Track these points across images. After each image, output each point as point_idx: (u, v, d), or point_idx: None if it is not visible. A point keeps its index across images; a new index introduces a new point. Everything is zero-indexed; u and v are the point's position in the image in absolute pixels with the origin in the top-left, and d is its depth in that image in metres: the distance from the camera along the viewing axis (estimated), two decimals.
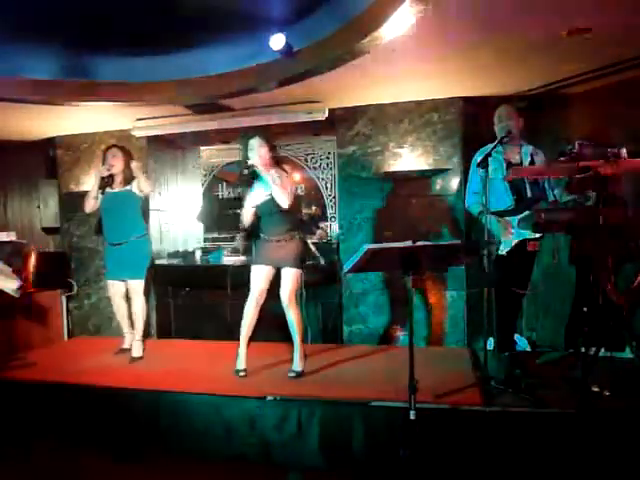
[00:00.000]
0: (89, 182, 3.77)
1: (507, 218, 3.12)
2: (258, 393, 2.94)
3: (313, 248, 4.20)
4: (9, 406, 3.25)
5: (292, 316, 3.30)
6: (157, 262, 4.90)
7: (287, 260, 3.27)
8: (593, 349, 2.69)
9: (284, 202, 3.17)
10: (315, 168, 5.17)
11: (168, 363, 3.71)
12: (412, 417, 2.18)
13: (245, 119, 4.40)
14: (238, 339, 3.34)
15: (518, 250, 3.07)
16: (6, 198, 5.33)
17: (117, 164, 3.79)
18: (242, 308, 3.34)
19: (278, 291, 3.31)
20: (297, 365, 3.31)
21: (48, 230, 5.23)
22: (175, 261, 5.00)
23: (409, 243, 2.22)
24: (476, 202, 3.31)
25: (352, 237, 4.41)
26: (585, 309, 2.75)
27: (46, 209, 5.16)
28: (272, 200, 3.20)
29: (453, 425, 2.60)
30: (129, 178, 3.80)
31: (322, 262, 4.26)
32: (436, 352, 3.87)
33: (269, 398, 2.88)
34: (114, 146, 3.93)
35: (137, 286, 3.82)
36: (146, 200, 4.08)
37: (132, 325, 3.94)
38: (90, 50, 3.59)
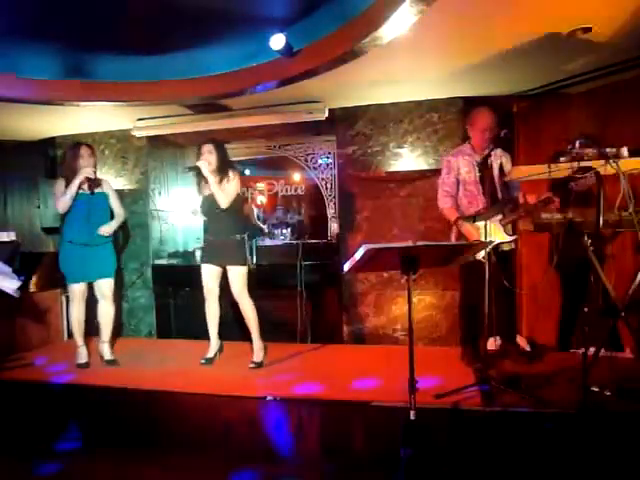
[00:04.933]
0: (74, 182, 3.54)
1: (477, 223, 3.10)
2: (258, 393, 2.94)
3: None
4: (8, 406, 3.25)
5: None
6: (156, 262, 4.91)
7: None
8: (593, 349, 2.69)
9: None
10: (315, 168, 5.17)
11: (168, 363, 3.70)
12: (412, 417, 2.17)
13: (245, 119, 4.41)
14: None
15: (494, 253, 3.04)
16: (6, 198, 5.32)
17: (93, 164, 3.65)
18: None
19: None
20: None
21: (48, 230, 5.23)
22: (175, 261, 5.01)
23: (409, 243, 2.22)
24: (451, 205, 3.27)
25: (352, 237, 4.41)
26: (586, 309, 2.74)
27: (46, 209, 5.15)
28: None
29: (453, 425, 2.60)
30: (98, 179, 3.71)
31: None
32: (436, 352, 3.87)
33: (269, 398, 2.88)
34: (87, 145, 3.71)
35: (107, 288, 3.74)
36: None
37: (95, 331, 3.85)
38: (90, 50, 3.59)
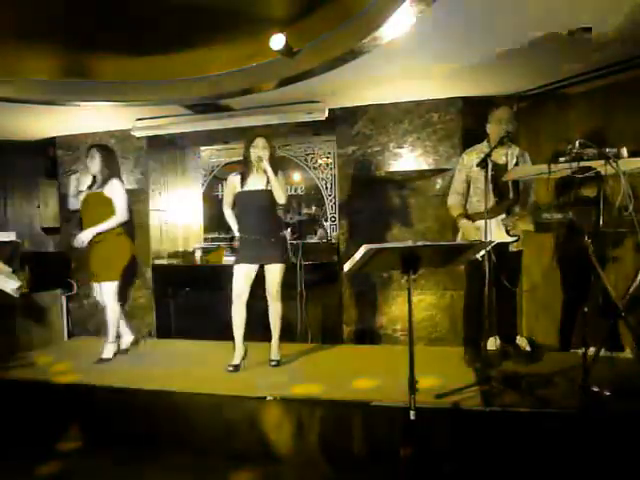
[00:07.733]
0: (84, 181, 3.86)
1: (477, 222, 3.14)
2: (258, 393, 2.94)
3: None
4: (9, 406, 3.24)
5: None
6: (156, 262, 4.91)
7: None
8: (593, 349, 2.69)
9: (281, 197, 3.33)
10: (315, 168, 5.17)
11: (168, 363, 3.70)
12: (412, 417, 2.17)
13: (245, 119, 4.40)
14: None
15: (495, 253, 3.04)
16: (6, 198, 5.33)
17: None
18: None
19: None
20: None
21: (48, 230, 5.24)
22: (175, 261, 5.01)
23: (409, 243, 2.23)
24: (458, 203, 3.33)
25: (352, 237, 4.41)
26: (586, 309, 2.74)
27: (46, 209, 5.18)
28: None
29: (453, 425, 2.60)
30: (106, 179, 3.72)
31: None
32: (436, 352, 3.87)
33: (269, 398, 2.88)
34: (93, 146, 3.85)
35: (107, 289, 3.72)
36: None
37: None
38: (90, 50, 3.59)
